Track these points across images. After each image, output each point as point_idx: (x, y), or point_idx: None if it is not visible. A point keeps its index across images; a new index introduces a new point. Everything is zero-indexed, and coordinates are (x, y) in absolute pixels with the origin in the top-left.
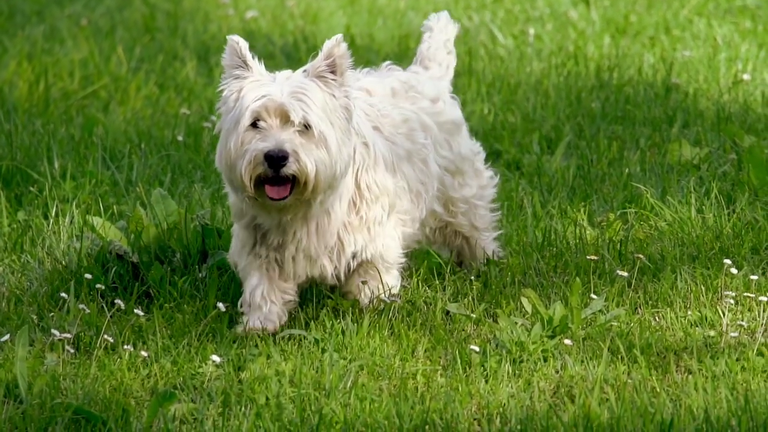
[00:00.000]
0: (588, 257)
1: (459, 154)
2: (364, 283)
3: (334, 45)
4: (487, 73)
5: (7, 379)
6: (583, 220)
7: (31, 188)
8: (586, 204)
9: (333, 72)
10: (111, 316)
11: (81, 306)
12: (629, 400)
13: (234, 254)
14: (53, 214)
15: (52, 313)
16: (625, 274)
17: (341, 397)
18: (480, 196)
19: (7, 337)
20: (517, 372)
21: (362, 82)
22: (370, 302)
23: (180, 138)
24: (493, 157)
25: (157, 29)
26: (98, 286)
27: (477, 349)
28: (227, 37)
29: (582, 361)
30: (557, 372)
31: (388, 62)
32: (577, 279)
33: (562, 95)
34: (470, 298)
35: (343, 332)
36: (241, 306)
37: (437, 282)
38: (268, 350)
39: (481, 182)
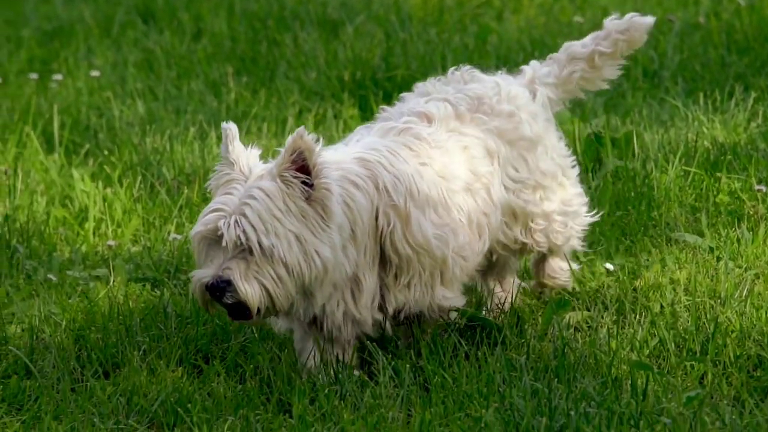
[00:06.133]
0: None
1: (538, 169)
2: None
3: (297, 139)
4: None
5: None
6: None
7: None
8: None
9: (301, 168)
10: None
11: None
12: None
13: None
14: None
15: None
16: None
17: (737, 305)
18: (561, 211)
19: None
20: None
21: (425, 103)
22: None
23: None
24: None
25: None
26: None
27: None
28: (222, 124)
29: None
30: None
31: (467, 67)
32: None
33: None
34: None
35: (738, 240)
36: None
37: None
38: (662, 257)
39: (564, 196)
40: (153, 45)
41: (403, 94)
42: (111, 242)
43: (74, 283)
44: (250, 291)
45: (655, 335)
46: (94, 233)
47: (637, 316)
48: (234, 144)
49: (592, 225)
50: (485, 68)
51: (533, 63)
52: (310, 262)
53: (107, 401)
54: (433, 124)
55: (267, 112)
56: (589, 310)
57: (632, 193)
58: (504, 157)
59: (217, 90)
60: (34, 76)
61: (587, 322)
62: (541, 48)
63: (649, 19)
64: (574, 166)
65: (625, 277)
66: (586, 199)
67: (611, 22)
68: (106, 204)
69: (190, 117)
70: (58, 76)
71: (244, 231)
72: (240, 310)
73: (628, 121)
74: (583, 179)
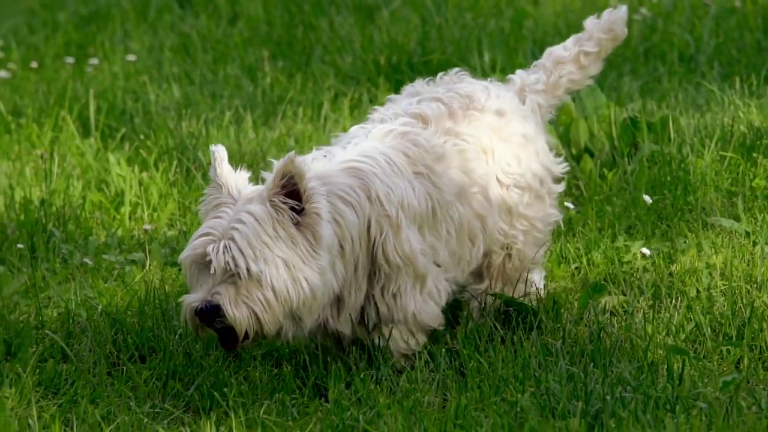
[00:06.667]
0: None
1: (529, 169)
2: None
3: (286, 163)
4: None
5: None
6: None
7: None
8: None
9: (291, 193)
10: None
11: None
12: None
13: None
14: None
15: None
16: None
17: None
18: (539, 219)
19: None
20: None
21: (418, 106)
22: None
23: None
24: None
25: None
26: None
27: None
28: (210, 147)
29: None
30: None
31: (457, 69)
32: None
33: None
34: None
35: None
36: None
37: None
38: (698, 242)
39: (543, 209)
40: (189, 29)
41: (391, 96)
42: (147, 226)
43: (110, 267)
44: (238, 316)
45: (691, 320)
46: (130, 217)
47: (673, 301)
48: (222, 167)
49: (629, 210)
50: (521, 53)
51: (520, 72)
52: (298, 289)
53: (143, 385)
54: (429, 125)
55: (303, 96)
56: (625, 295)
57: (668, 178)
58: (498, 153)
59: (253, 74)
60: (70, 60)
61: (623, 307)
62: (577, 32)
63: (624, 11)
64: (560, 181)
65: (661, 262)
66: (557, 220)
67: (592, 23)
68: (142, 188)
69: (226, 101)
70: (95, 61)
71: (233, 257)
72: (230, 334)
73: (664, 105)
74: (619, 164)
